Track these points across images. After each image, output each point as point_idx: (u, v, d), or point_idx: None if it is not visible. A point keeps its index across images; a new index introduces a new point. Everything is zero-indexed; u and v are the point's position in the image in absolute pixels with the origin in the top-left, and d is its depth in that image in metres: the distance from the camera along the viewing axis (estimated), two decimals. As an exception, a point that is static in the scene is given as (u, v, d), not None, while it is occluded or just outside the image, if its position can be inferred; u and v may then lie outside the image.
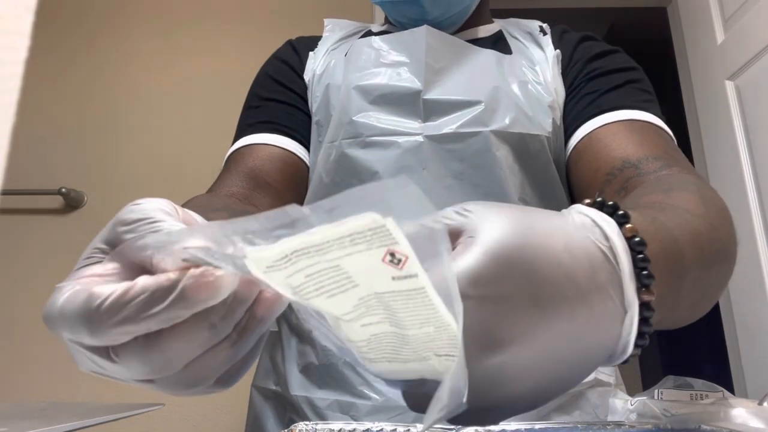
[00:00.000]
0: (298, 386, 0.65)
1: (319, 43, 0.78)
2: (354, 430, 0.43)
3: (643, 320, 0.28)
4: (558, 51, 0.71)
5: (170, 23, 1.78)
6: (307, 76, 0.74)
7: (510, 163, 0.64)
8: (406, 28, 0.75)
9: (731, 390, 1.56)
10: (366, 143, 0.65)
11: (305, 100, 0.73)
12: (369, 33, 0.80)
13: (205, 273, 0.23)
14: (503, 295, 0.24)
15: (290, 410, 0.66)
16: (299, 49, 0.78)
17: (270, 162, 0.67)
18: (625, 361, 0.29)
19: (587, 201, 0.31)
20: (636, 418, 0.47)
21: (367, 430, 0.42)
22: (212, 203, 0.57)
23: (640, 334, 0.28)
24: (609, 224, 0.28)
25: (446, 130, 0.64)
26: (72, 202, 1.61)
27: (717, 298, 0.47)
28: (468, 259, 0.25)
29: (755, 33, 1.37)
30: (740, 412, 0.41)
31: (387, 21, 0.83)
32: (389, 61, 0.69)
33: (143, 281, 0.23)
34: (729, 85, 1.49)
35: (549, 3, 2.23)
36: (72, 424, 0.45)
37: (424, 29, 0.69)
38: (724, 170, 1.52)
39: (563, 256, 0.26)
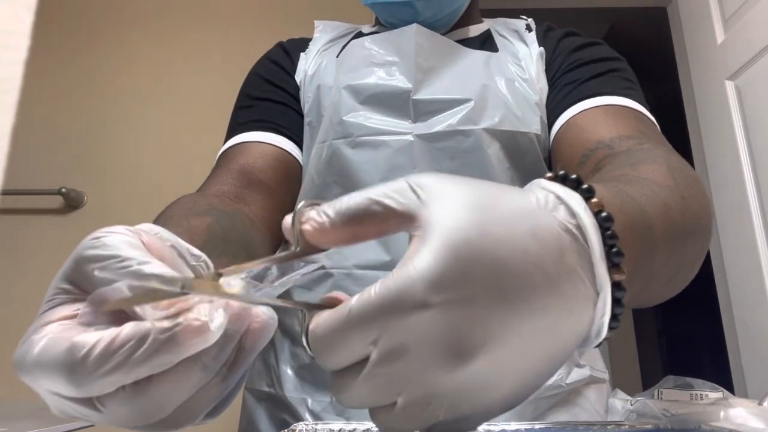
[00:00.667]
0: (293, 388, 0.65)
1: (310, 44, 0.78)
2: (354, 430, 0.43)
3: (615, 301, 0.26)
4: (542, 48, 0.71)
5: (171, 24, 1.78)
6: (298, 76, 0.74)
7: (501, 160, 0.64)
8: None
9: (731, 390, 1.55)
10: (356, 143, 0.65)
11: (297, 100, 0.73)
12: (360, 34, 0.80)
13: (198, 317, 0.22)
14: (470, 296, 0.22)
15: (284, 411, 0.66)
16: (290, 50, 0.78)
17: (263, 159, 0.67)
18: (599, 345, 0.28)
19: (549, 175, 0.29)
20: (636, 418, 0.47)
21: (367, 430, 0.42)
22: (197, 206, 0.55)
23: (613, 316, 0.26)
24: (574, 199, 0.26)
25: (436, 128, 0.64)
26: (72, 202, 1.61)
27: (693, 273, 0.46)
28: (426, 259, 0.22)
29: (755, 33, 1.37)
30: (740, 412, 0.41)
31: (378, 22, 0.82)
32: (380, 61, 0.69)
33: (129, 328, 0.22)
34: (729, 85, 1.49)
35: (549, 3, 2.23)
36: (72, 424, 0.45)
37: (413, 28, 0.69)
38: (724, 170, 1.52)
39: (529, 241, 0.24)
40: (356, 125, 0.65)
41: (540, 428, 0.46)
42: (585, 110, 0.62)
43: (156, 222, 0.47)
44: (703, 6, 1.62)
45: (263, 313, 0.25)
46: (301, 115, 0.72)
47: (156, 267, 0.24)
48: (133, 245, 0.26)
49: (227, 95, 1.76)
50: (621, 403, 0.52)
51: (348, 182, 0.65)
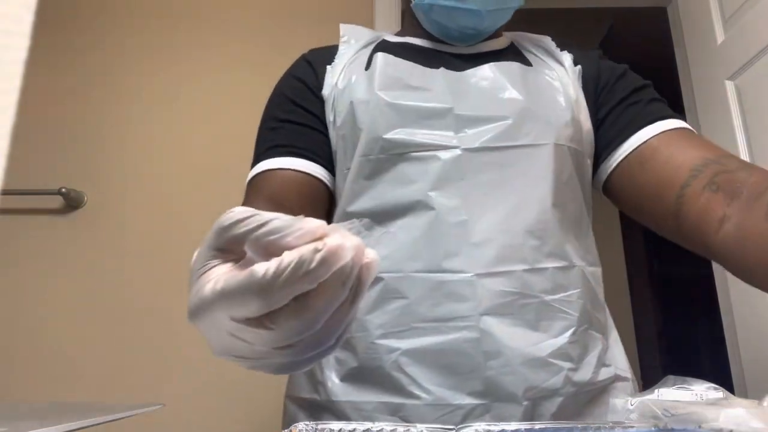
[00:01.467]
0: (341, 393, 0.67)
1: (336, 57, 0.79)
2: (354, 430, 0.43)
3: None
4: (579, 66, 0.77)
5: (171, 24, 1.78)
6: (325, 91, 0.76)
7: (542, 171, 0.68)
8: (430, 38, 0.79)
9: (731, 390, 1.55)
10: (406, 158, 0.68)
11: (320, 118, 0.76)
12: (384, 42, 0.82)
13: (336, 240, 0.29)
14: None
15: (328, 415, 0.67)
16: (315, 64, 0.79)
17: (287, 186, 0.72)
18: None
19: None
20: (636, 418, 0.47)
21: (368, 430, 0.43)
22: None
23: None
24: None
25: (481, 143, 0.68)
26: (72, 202, 1.61)
27: None
28: None
29: (755, 33, 1.37)
30: (740, 412, 0.41)
31: (405, 32, 0.85)
32: (414, 84, 0.72)
33: (288, 255, 0.28)
34: (729, 85, 1.49)
35: (549, 3, 2.23)
36: (72, 424, 0.45)
37: (441, 73, 0.73)
38: (724, 170, 1.52)
39: None
40: (401, 141, 0.68)
41: (540, 428, 0.46)
42: (664, 132, 0.69)
43: None
44: (703, 6, 1.62)
45: (372, 252, 0.31)
46: (323, 134, 0.75)
47: (287, 216, 0.30)
48: (256, 212, 0.31)
49: (227, 95, 1.77)
50: (621, 403, 0.52)
51: (398, 193, 0.68)
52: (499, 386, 0.61)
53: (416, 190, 0.67)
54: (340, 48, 0.81)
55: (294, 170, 0.72)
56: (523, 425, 0.44)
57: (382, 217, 0.68)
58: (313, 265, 0.28)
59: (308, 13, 1.78)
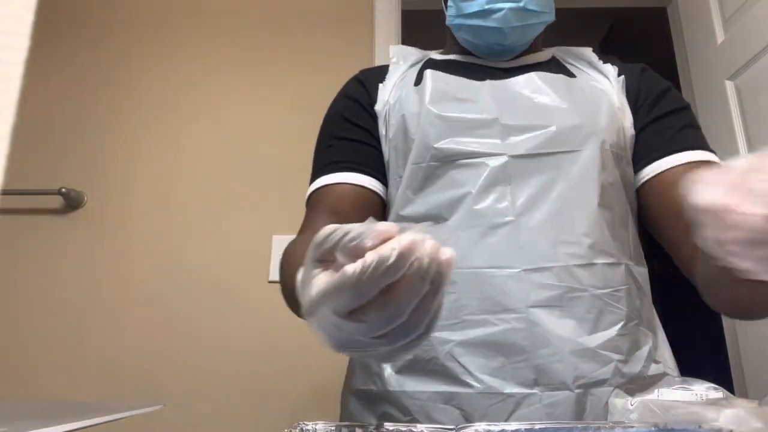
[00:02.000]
0: (396, 384, 0.70)
1: (387, 76, 0.85)
2: (354, 429, 0.43)
3: None
4: (622, 77, 0.80)
5: (172, 24, 1.78)
6: (378, 107, 0.81)
7: (588, 173, 0.71)
8: (472, 54, 0.84)
9: (731, 390, 1.55)
10: (456, 165, 0.72)
11: (371, 133, 0.81)
12: (431, 61, 0.87)
13: (410, 237, 0.33)
14: None
15: (386, 404, 0.71)
16: (367, 83, 0.85)
17: (345, 199, 0.77)
18: None
19: None
20: (636, 417, 0.47)
21: (367, 428, 0.43)
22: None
23: None
24: None
25: (527, 149, 0.71)
26: (72, 202, 1.61)
27: None
28: None
29: (755, 33, 1.37)
30: (740, 412, 0.41)
31: (452, 50, 0.89)
32: (461, 96, 0.77)
33: (370, 254, 0.32)
34: (729, 85, 1.49)
35: (549, 3, 2.22)
36: (72, 424, 0.45)
37: (487, 84, 0.78)
38: (724, 170, 1.52)
39: None
40: (451, 150, 0.73)
41: (540, 428, 0.46)
42: (689, 163, 0.72)
43: (286, 264, 0.67)
44: (703, 6, 1.62)
45: (449, 250, 0.34)
46: (376, 148, 0.81)
47: (364, 224, 0.35)
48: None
49: (227, 96, 1.77)
50: (621, 403, 0.52)
51: (449, 198, 0.72)
52: (549, 374, 0.64)
53: (466, 193, 0.71)
54: (391, 68, 0.86)
55: (350, 184, 0.78)
56: (523, 425, 0.44)
57: (433, 219, 0.73)
58: (392, 259, 0.32)
59: (308, 16, 1.78)
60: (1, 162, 0.16)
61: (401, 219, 0.74)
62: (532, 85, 0.77)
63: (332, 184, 0.78)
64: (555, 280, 0.66)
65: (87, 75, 1.72)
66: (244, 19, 1.78)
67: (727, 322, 1.57)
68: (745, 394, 1.44)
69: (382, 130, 0.80)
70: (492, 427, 0.43)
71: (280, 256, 0.72)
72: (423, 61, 0.87)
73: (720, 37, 1.55)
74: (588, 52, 0.86)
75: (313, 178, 0.81)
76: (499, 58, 0.84)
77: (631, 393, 0.65)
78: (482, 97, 0.76)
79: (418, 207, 0.74)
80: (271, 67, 1.73)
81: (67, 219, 1.62)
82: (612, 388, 0.63)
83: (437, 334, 0.67)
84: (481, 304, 0.67)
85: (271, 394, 1.48)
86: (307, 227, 0.76)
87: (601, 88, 0.79)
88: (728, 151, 1.49)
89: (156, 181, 1.65)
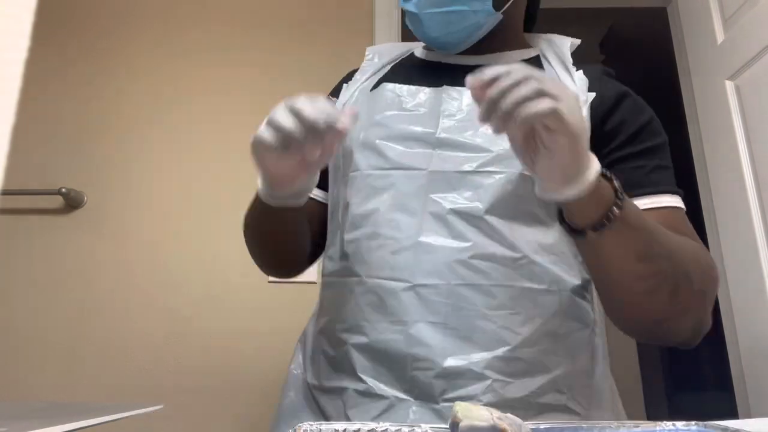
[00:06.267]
0: (314, 377, 0.78)
1: (356, 74, 0.87)
2: (358, 430, 0.43)
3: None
4: (593, 94, 0.75)
5: (172, 24, 1.78)
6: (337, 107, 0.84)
7: (512, 191, 0.70)
8: (445, 49, 0.82)
9: (731, 390, 1.55)
10: (383, 176, 0.74)
11: None
12: (412, 56, 0.88)
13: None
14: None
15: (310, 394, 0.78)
16: (336, 88, 0.89)
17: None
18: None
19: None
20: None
21: (372, 430, 0.43)
22: None
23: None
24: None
25: (453, 168, 0.71)
26: (72, 202, 1.61)
27: (676, 305, 0.63)
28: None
29: (755, 33, 1.37)
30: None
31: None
32: (410, 107, 0.77)
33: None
34: (729, 85, 1.49)
35: (549, 3, 2.23)
36: (72, 424, 0.45)
37: (442, 89, 0.77)
38: (724, 170, 1.52)
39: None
40: (382, 155, 0.74)
41: (545, 428, 0.46)
42: (654, 209, 0.70)
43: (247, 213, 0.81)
44: (703, 6, 1.62)
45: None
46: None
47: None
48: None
49: (227, 96, 1.77)
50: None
51: (368, 207, 0.74)
52: (420, 386, 0.67)
53: (382, 209, 0.73)
54: (362, 66, 0.88)
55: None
56: (530, 424, 0.44)
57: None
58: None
59: (308, 15, 1.78)
60: (1, 162, 0.16)
61: (343, 226, 0.77)
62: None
63: None
64: (443, 297, 0.67)
65: (87, 75, 1.72)
66: (244, 20, 1.78)
67: (727, 322, 1.57)
68: (745, 394, 1.44)
69: None
70: (477, 423, 0.43)
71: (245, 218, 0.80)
72: (404, 56, 0.88)
73: (720, 37, 1.55)
74: (566, 50, 0.82)
75: None
76: (449, 53, 0.82)
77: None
78: (432, 107, 0.76)
79: (355, 214, 0.76)
80: (271, 66, 1.73)
81: (67, 219, 1.62)
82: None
83: (341, 335, 0.72)
84: (374, 312, 0.69)
85: (272, 395, 1.48)
86: None
87: None
88: (728, 151, 1.49)
89: (156, 181, 1.65)
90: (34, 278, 1.57)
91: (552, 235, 0.71)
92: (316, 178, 0.70)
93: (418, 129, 0.74)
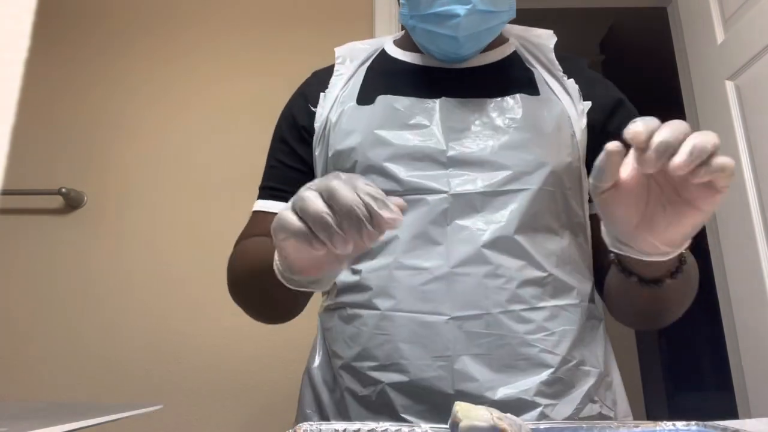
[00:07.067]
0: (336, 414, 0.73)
1: (330, 82, 0.81)
2: (358, 430, 0.43)
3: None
4: (589, 103, 0.75)
5: (172, 23, 1.78)
6: (317, 123, 0.78)
7: (536, 212, 0.69)
8: (427, 53, 0.78)
9: (731, 389, 1.55)
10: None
11: (306, 161, 0.80)
12: (383, 53, 0.83)
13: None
14: None
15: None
16: (309, 95, 0.81)
17: None
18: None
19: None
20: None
21: (372, 430, 0.43)
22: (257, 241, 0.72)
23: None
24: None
25: (473, 189, 0.68)
26: (72, 202, 1.61)
27: (679, 314, 0.69)
28: None
29: (755, 33, 1.37)
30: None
31: (406, 41, 0.84)
32: (412, 122, 0.72)
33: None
34: (729, 85, 1.49)
35: (550, 3, 2.23)
36: (72, 424, 0.45)
37: (440, 102, 0.73)
38: (724, 170, 1.52)
39: None
40: (394, 177, 0.70)
41: (545, 428, 0.46)
42: None
43: (242, 254, 0.76)
44: (703, 6, 1.62)
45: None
46: (308, 175, 0.79)
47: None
48: None
49: (227, 96, 1.77)
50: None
51: (384, 235, 0.71)
52: None
53: (401, 233, 0.70)
54: (336, 70, 0.82)
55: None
56: (529, 424, 0.44)
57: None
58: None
59: (308, 14, 1.78)
60: (1, 162, 0.16)
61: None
62: (490, 113, 0.72)
63: (266, 212, 0.80)
64: (483, 328, 0.65)
65: (87, 75, 1.72)
66: (243, 20, 1.78)
67: (727, 322, 1.57)
68: (745, 394, 1.44)
69: (316, 149, 0.78)
70: (477, 423, 0.43)
71: (230, 258, 0.76)
72: (374, 54, 0.83)
73: (720, 37, 1.55)
74: (551, 54, 0.80)
75: (261, 190, 0.83)
76: (455, 63, 0.79)
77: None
78: (434, 122, 0.72)
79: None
80: (271, 66, 1.73)
81: (67, 219, 1.62)
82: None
83: (372, 374, 0.67)
84: (412, 348, 0.66)
85: (273, 395, 1.48)
86: (246, 237, 0.79)
87: (563, 111, 0.74)
88: (728, 151, 1.49)
89: (156, 181, 1.64)
90: (34, 278, 1.57)
91: (562, 242, 0.71)
92: (346, 265, 0.60)
93: (426, 147, 0.70)
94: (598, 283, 0.76)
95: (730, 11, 1.50)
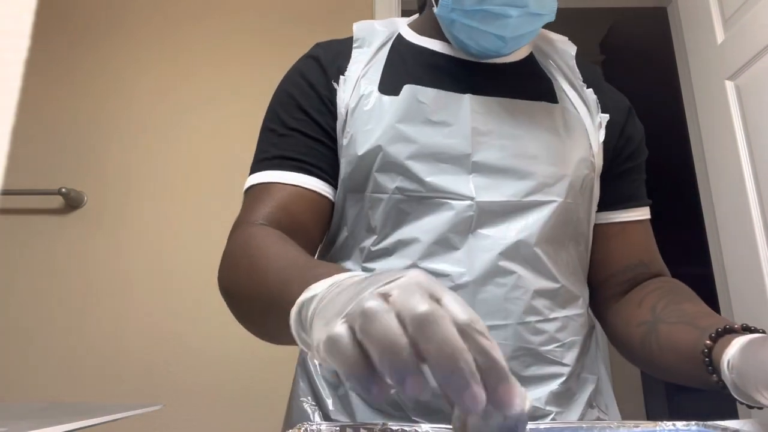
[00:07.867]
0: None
1: (349, 65, 0.73)
2: (358, 429, 0.43)
3: None
4: (606, 115, 0.76)
5: (171, 23, 1.78)
6: (340, 109, 0.71)
7: (556, 222, 0.69)
8: (459, 46, 0.74)
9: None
10: (419, 200, 0.67)
11: (330, 135, 0.71)
12: (399, 38, 0.78)
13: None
14: None
15: None
16: (327, 66, 0.73)
17: (300, 203, 0.69)
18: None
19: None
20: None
21: (372, 430, 0.43)
22: (289, 245, 0.60)
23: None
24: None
25: (499, 198, 0.67)
26: (72, 202, 1.61)
27: None
28: None
29: (755, 33, 1.37)
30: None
31: (424, 27, 0.79)
32: (436, 119, 0.69)
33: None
34: (729, 85, 1.49)
35: (549, 3, 2.22)
36: (72, 424, 0.45)
37: (467, 99, 0.70)
38: (724, 170, 1.52)
39: None
40: (417, 180, 0.67)
41: (545, 428, 0.46)
42: (636, 221, 0.78)
43: (253, 264, 0.58)
44: (703, 6, 1.62)
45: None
46: (332, 149, 0.71)
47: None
48: None
49: (227, 95, 1.77)
50: None
51: (403, 236, 0.67)
52: None
53: (423, 238, 0.68)
54: (354, 55, 0.74)
55: (305, 188, 0.69)
56: (529, 425, 0.44)
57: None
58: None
59: (308, 14, 1.78)
60: (1, 162, 0.16)
61: (370, 253, 0.69)
62: (516, 116, 0.71)
63: (284, 183, 0.70)
64: (502, 339, 0.64)
65: (87, 75, 1.72)
66: (245, 19, 1.78)
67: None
68: (745, 394, 1.44)
69: (341, 140, 0.71)
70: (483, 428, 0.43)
71: (230, 246, 0.65)
72: (392, 39, 0.77)
73: (720, 37, 1.55)
74: (572, 61, 0.79)
75: (260, 166, 0.72)
76: (481, 57, 0.75)
77: None
78: (460, 120, 0.69)
79: (384, 242, 0.68)
80: (271, 66, 1.73)
81: (67, 219, 1.62)
82: None
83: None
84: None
85: (273, 395, 1.48)
86: (253, 219, 0.67)
87: (580, 122, 0.74)
88: (728, 151, 1.49)
89: (156, 181, 1.64)
90: (34, 278, 1.57)
91: (569, 252, 0.72)
92: None
93: (450, 148, 0.67)
94: (595, 295, 0.78)
95: (730, 11, 1.50)
